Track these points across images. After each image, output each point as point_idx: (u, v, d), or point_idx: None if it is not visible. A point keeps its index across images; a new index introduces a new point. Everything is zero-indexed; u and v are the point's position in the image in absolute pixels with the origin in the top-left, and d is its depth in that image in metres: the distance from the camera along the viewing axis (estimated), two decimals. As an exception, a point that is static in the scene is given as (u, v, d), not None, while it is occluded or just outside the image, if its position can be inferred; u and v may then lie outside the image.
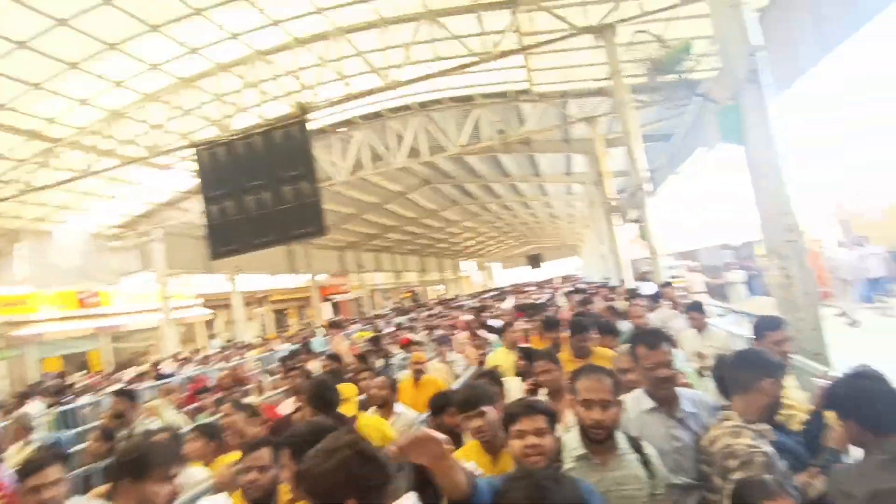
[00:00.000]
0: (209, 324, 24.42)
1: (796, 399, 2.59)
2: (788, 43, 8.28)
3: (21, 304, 15.71)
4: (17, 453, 4.67)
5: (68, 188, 12.82)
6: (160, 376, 10.62)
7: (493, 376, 3.19)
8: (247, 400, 5.30)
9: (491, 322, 7.55)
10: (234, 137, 10.08)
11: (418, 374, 4.81)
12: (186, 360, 13.47)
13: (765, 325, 3.06)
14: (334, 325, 8.42)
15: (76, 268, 15.74)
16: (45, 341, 16.13)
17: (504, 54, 9.66)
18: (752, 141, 3.93)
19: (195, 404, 6.42)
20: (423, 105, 14.76)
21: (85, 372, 16.50)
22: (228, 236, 10.14)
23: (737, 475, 1.77)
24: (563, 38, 9.24)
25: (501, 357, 4.80)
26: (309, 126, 9.96)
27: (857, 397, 1.77)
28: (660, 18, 9.07)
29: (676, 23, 9.32)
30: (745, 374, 2.01)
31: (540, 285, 23.64)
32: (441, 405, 3.14)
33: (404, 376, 5.08)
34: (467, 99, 14.48)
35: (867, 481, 1.62)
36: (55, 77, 9.49)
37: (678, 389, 2.25)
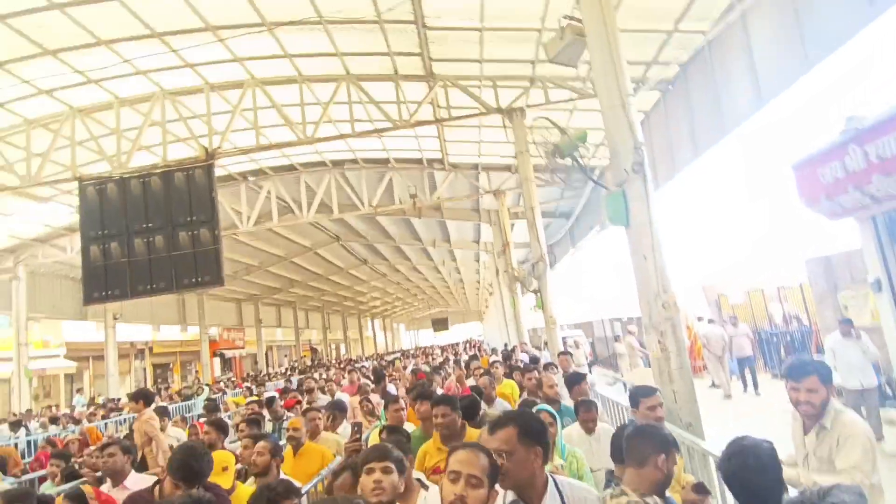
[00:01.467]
0: (72, 377, 21.54)
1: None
2: (668, 144, 9.44)
3: None
4: None
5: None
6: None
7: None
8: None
9: (391, 388, 7.30)
10: (130, 175, 9.44)
11: (293, 441, 4.30)
12: (54, 418, 11.68)
13: (639, 393, 3.27)
14: (137, 397, 6.10)
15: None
16: None
17: (419, 123, 10.08)
18: (635, 225, 4.34)
19: (41, 472, 5.50)
20: (338, 163, 14.83)
21: None
22: (109, 280, 9.23)
23: None
24: (474, 115, 9.86)
25: (376, 439, 4.18)
26: (216, 172, 9.59)
27: (729, 479, 1.89)
28: (563, 108, 10.03)
29: (578, 113, 10.34)
30: (641, 449, 2.02)
31: (444, 349, 23.63)
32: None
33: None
34: (382, 161, 14.77)
35: None
36: (-80, 90, 8.48)
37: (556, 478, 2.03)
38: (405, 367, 13.29)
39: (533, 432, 1.89)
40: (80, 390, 20.75)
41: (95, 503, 3.38)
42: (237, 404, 10.56)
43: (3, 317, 15.96)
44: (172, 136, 10.77)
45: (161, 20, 8.02)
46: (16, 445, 9.35)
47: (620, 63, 4.56)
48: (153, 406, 6.21)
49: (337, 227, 20.50)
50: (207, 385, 17.41)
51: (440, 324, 48.97)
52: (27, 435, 10.45)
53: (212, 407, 9.20)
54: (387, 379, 8.46)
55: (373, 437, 4.47)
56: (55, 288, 17.35)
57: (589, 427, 3.74)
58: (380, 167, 14.84)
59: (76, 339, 20.55)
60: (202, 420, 7.68)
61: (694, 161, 8.91)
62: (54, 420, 11.37)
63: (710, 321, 13.44)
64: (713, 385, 12.10)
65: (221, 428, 4.96)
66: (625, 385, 12.03)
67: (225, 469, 3.42)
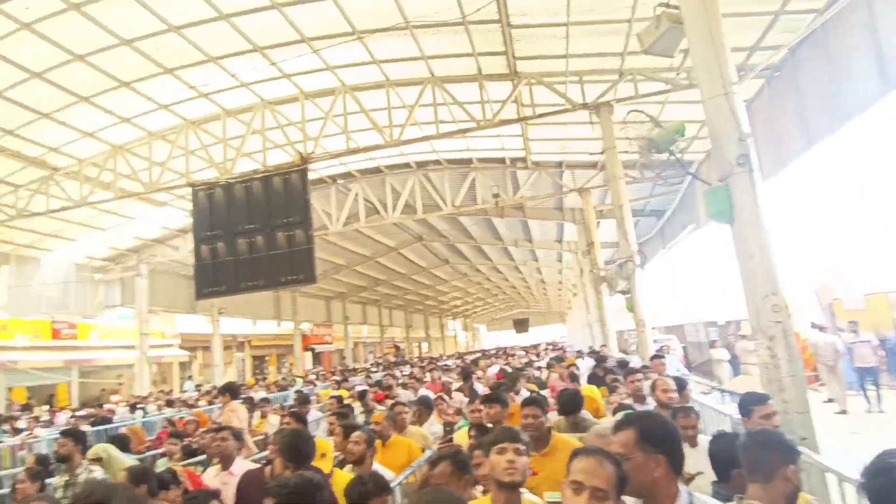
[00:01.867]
0: (184, 365, 23.74)
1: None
2: (773, 134, 8.71)
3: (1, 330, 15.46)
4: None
5: (61, 216, 12.79)
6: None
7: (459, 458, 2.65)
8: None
9: (477, 387, 7.32)
10: (234, 180, 10.21)
11: (378, 434, 4.37)
12: (170, 401, 12.99)
13: (751, 401, 3.02)
14: (224, 391, 6.66)
15: (57, 297, 15.48)
16: (15, 369, 15.64)
17: (503, 123, 10.03)
18: (741, 221, 4.04)
19: (159, 450, 6.09)
20: (422, 164, 15.13)
21: (48, 407, 15.75)
22: (216, 277, 10.04)
23: None
24: (560, 111, 9.65)
25: (464, 437, 4.21)
26: (309, 175, 10.13)
27: (874, 499, 1.62)
28: (654, 101, 9.57)
29: (669, 106, 9.82)
30: (768, 460, 1.84)
31: (527, 350, 23.34)
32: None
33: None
34: (465, 162, 14.87)
35: None
36: (65, 108, 9.68)
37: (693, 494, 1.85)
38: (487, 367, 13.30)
39: (655, 437, 1.73)
40: (189, 377, 22.79)
41: (188, 482, 3.59)
42: (326, 396, 11.09)
43: (129, 310, 17.88)
44: (271, 143, 11.52)
45: (262, 35, 8.61)
46: (132, 425, 10.45)
47: (723, 49, 4.28)
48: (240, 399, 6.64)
49: (420, 227, 20.94)
50: (300, 377, 18.45)
51: (521, 325, 48.50)
52: (143, 416, 11.63)
53: (302, 398, 9.69)
54: (473, 378, 8.51)
55: (459, 435, 4.51)
56: (170, 284, 19.16)
57: (689, 435, 3.42)
58: (462, 167, 14.96)
59: (188, 331, 22.58)
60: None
61: (805, 153, 8.17)
62: (170, 403, 12.56)
63: (822, 328, 12.21)
64: (828, 400, 10.93)
65: (300, 419, 5.20)
66: (722, 394, 11.24)
67: (323, 456, 3.61)
